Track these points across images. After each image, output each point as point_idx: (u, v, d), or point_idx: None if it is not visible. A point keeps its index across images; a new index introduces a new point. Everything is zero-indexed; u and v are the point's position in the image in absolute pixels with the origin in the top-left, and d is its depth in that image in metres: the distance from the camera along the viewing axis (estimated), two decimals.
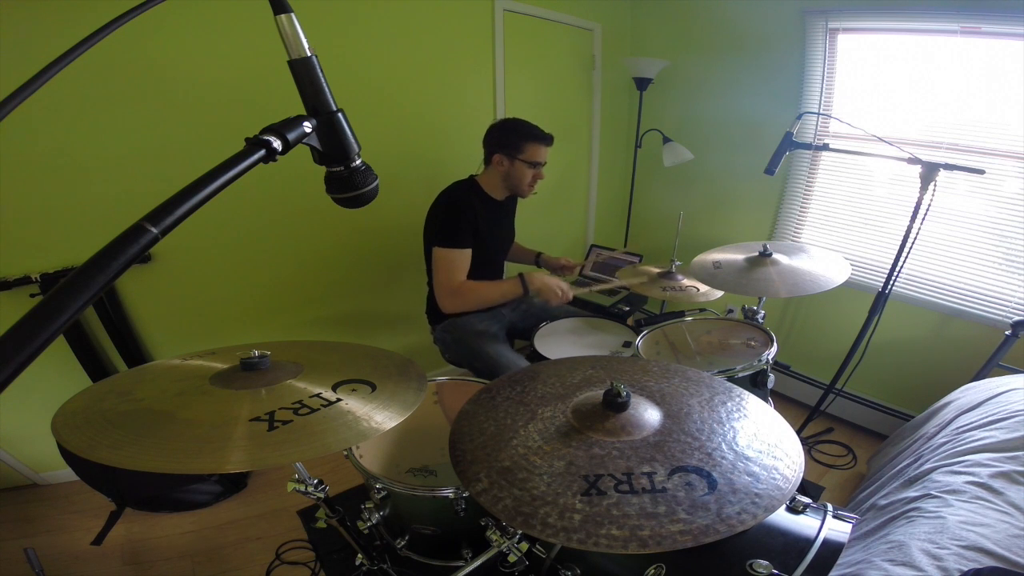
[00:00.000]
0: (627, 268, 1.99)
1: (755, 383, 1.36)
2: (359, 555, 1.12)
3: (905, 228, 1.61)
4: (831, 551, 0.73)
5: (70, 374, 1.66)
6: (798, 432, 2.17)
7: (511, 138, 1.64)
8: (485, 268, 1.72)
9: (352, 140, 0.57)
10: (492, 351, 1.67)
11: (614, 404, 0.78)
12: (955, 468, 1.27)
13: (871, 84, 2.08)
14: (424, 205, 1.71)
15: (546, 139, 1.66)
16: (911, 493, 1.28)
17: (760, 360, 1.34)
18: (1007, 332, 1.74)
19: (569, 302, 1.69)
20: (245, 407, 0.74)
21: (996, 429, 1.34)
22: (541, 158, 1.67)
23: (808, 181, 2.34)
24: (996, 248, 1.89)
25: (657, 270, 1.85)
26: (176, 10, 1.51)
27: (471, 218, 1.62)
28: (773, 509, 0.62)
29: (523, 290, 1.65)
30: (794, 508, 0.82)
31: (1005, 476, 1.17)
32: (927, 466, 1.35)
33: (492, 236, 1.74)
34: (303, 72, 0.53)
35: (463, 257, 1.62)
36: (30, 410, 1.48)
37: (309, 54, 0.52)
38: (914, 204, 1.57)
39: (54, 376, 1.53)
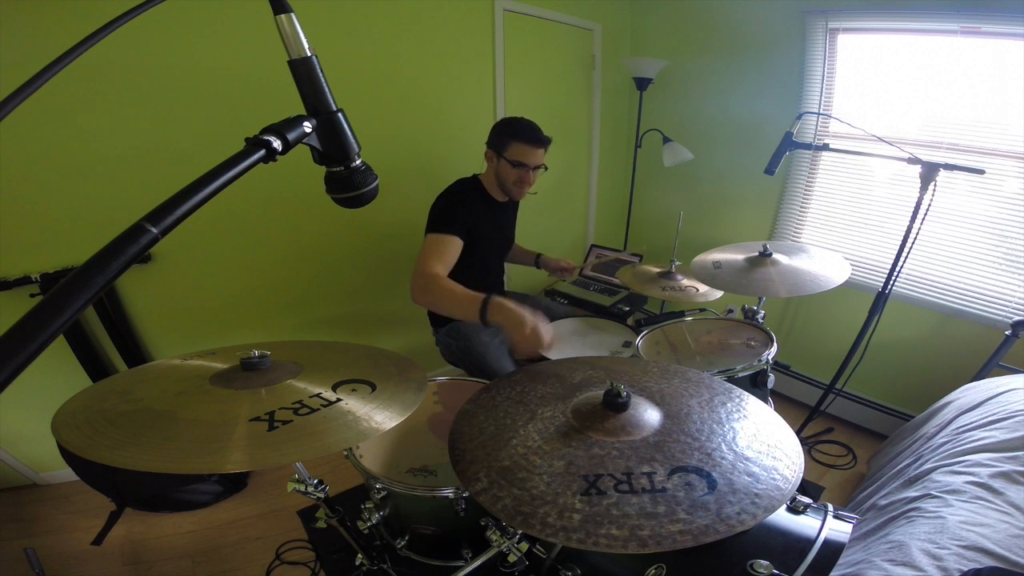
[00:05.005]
0: (627, 268, 1.99)
1: (755, 383, 1.36)
2: (359, 555, 1.12)
3: (905, 228, 1.61)
4: (832, 551, 0.73)
5: (70, 374, 1.67)
6: (798, 432, 2.16)
7: (500, 135, 1.61)
8: (478, 269, 1.68)
9: (352, 140, 0.57)
10: (498, 366, 1.63)
11: (614, 404, 0.78)
12: (955, 468, 1.27)
13: (871, 84, 2.07)
14: (424, 205, 1.70)
15: (532, 140, 1.57)
16: (911, 493, 1.28)
17: (760, 360, 1.34)
18: (1007, 332, 1.74)
19: (542, 352, 1.19)
20: (245, 407, 0.74)
21: (996, 429, 1.34)
22: (526, 159, 1.59)
23: (808, 181, 2.34)
24: (996, 248, 1.89)
25: (658, 270, 1.85)
26: (176, 10, 1.51)
27: (468, 211, 1.58)
28: (773, 509, 0.62)
29: (480, 316, 1.24)
30: (794, 508, 0.82)
31: (1005, 476, 1.17)
32: (927, 466, 1.36)
33: (487, 236, 1.70)
34: (303, 72, 0.53)
35: (448, 244, 1.48)
36: (30, 410, 1.48)
37: (309, 54, 0.52)
38: (914, 204, 1.57)
39: (54, 376, 1.53)
